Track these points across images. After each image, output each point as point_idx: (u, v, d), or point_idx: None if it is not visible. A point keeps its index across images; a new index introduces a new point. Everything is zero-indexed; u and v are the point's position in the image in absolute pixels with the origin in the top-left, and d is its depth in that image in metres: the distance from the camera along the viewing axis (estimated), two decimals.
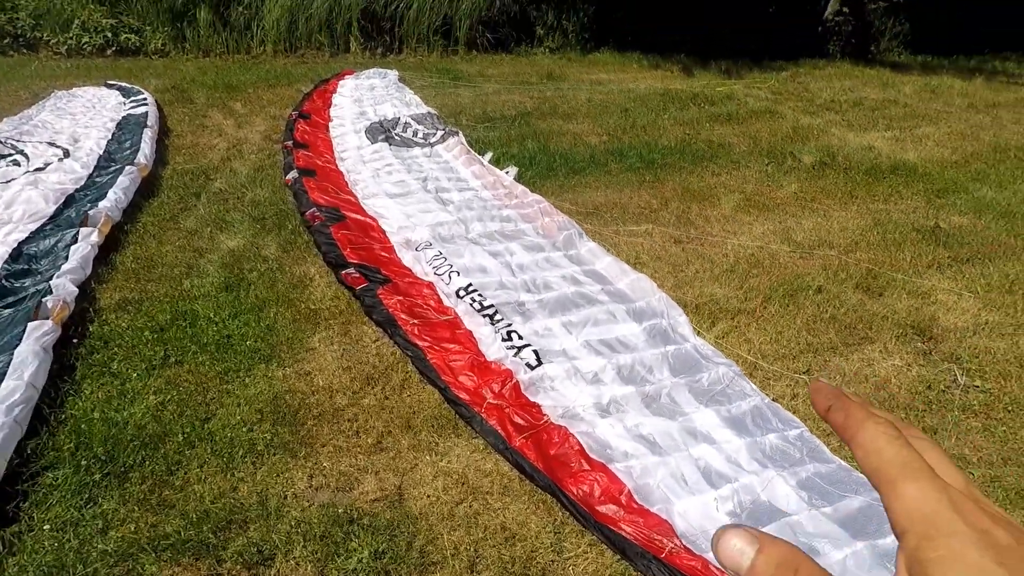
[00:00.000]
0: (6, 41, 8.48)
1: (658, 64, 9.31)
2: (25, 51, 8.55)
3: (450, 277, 3.07)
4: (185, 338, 2.71)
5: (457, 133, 5.42)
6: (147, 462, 2.08)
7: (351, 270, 3.04)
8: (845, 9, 11.23)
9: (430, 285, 2.98)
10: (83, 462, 2.04)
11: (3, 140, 4.80)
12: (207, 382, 2.45)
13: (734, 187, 4.65)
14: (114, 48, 8.88)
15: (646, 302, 2.95)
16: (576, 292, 3.01)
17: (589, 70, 9.02)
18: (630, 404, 2.35)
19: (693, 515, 1.94)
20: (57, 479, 1.99)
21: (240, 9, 9.58)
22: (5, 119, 5.43)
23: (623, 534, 1.86)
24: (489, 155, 5.07)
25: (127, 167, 4.36)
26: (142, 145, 4.82)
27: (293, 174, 4.41)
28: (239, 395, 2.38)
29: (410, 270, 3.20)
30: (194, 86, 7.21)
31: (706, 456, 2.15)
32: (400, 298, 2.80)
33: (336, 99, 6.58)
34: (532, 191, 4.24)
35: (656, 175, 4.82)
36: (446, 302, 2.87)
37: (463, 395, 2.31)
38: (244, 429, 2.21)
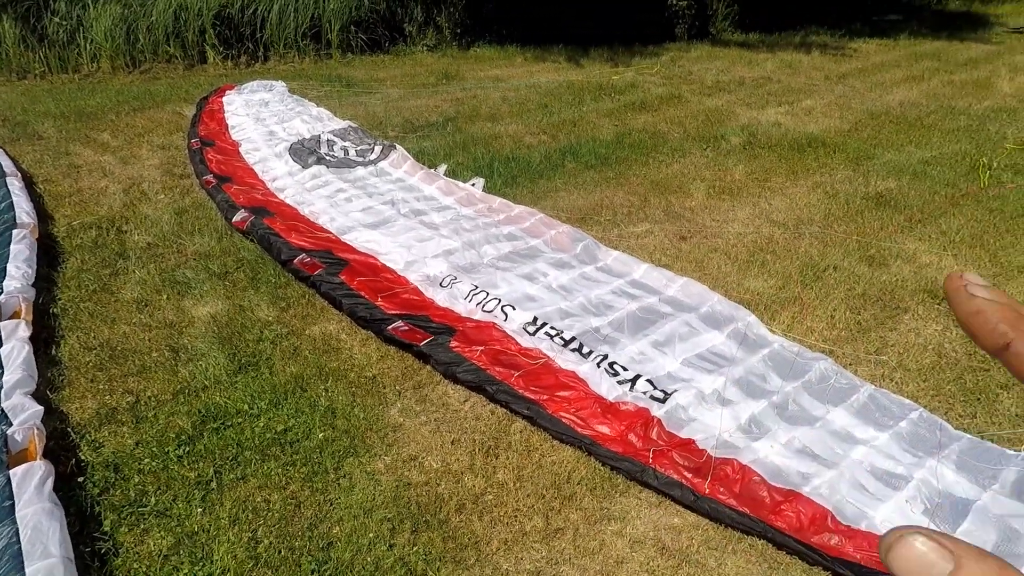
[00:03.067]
0: None
1: (542, 56, 9.33)
2: None
3: (504, 312, 2.76)
4: (229, 445, 2.14)
5: (395, 147, 4.98)
6: None
7: (399, 324, 2.62)
8: None
9: (492, 326, 2.65)
10: None
11: None
12: (295, 495, 1.96)
13: (693, 175, 4.75)
14: None
15: (710, 307, 2.88)
16: (639, 308, 2.86)
17: (480, 67, 8.80)
18: (767, 419, 2.26)
19: (898, 523, 1.89)
20: None
21: (56, 20, 8.05)
22: None
23: (854, 560, 1.76)
24: (443, 167, 4.71)
25: (13, 231, 3.41)
26: (15, 199, 3.81)
27: (243, 214, 3.74)
28: (347, 505, 1.93)
29: (451, 310, 2.84)
30: (33, 117, 5.91)
31: (867, 458, 2.12)
32: (479, 348, 2.45)
33: (231, 120, 5.75)
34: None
35: (616, 171, 4.79)
36: (522, 342, 2.57)
37: (615, 447, 2.06)
38: (384, 548, 1.79)
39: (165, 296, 3.09)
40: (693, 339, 2.66)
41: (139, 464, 2.07)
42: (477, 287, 2.96)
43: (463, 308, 2.85)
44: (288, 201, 4.11)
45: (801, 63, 9.04)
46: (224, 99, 6.38)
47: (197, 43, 8.56)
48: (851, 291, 3.22)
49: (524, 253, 3.41)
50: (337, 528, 1.86)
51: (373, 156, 4.90)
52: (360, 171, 4.65)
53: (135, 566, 1.73)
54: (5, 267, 3.07)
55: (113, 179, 4.59)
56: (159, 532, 1.83)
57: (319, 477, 2.03)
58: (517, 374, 2.33)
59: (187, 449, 2.12)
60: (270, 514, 1.90)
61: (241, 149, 5.06)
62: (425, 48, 10.05)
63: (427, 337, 2.54)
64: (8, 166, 4.37)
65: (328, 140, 5.24)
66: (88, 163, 4.88)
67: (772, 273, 3.36)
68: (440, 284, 3.03)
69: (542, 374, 2.35)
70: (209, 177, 4.39)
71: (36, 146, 5.22)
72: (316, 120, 5.77)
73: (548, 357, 2.46)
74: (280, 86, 6.99)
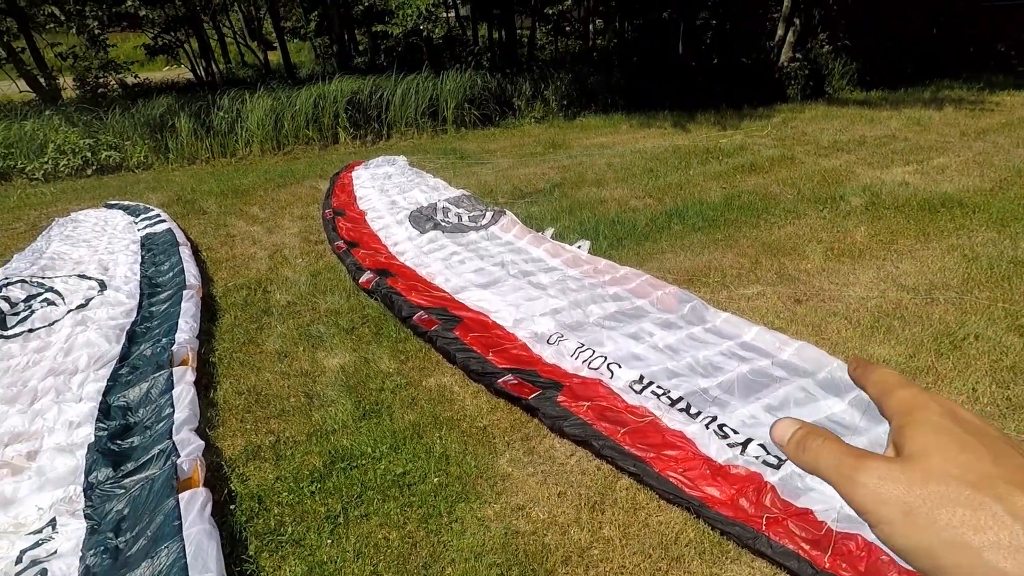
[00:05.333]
0: None
1: (647, 123, 9.54)
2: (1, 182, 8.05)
3: (610, 370, 2.81)
4: (354, 484, 2.33)
5: (505, 212, 5.27)
6: None
7: (509, 377, 2.75)
8: (798, 55, 11.94)
9: (599, 383, 2.71)
10: None
11: (27, 279, 4.33)
12: (412, 535, 2.09)
13: (809, 236, 4.61)
14: (94, 167, 8.48)
15: (829, 372, 2.76)
16: (751, 370, 2.80)
17: (585, 135, 9.15)
18: None
19: None
20: None
21: (221, 114, 9.40)
22: (16, 255, 4.96)
23: None
24: (551, 231, 4.91)
25: (184, 291, 3.97)
26: (185, 265, 4.44)
27: (368, 275, 4.11)
28: (459, 548, 2.02)
29: (557, 366, 2.93)
30: (199, 195, 6.88)
31: None
32: (585, 403, 2.52)
33: (358, 191, 6.37)
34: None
35: (725, 233, 4.75)
36: (628, 399, 2.60)
37: (725, 511, 2.02)
38: None
39: (301, 348, 3.44)
40: (810, 405, 2.56)
41: (278, 497, 2.29)
42: (583, 344, 3.04)
43: (569, 365, 2.94)
44: (408, 263, 4.46)
45: (931, 119, 8.57)
46: (353, 173, 7.09)
47: (331, 126, 9.62)
48: (997, 363, 2.96)
49: (630, 313, 3.46)
50: (450, 569, 1.95)
51: (485, 221, 5.22)
52: (473, 235, 4.96)
53: None
54: (176, 322, 3.57)
55: (260, 246, 5.21)
56: (294, 560, 2.02)
57: (433, 520, 2.15)
58: (623, 431, 2.36)
59: (319, 486, 2.33)
60: (389, 551, 2.03)
61: (367, 217, 5.58)
62: (533, 120, 10.63)
63: (535, 391, 2.64)
64: (180, 237, 5.11)
65: (444, 207, 5.65)
66: (241, 233, 5.58)
67: (901, 340, 3.16)
68: (547, 341, 3.15)
69: (649, 432, 2.37)
70: (340, 243, 4.87)
71: (201, 219, 6.05)
72: (433, 190, 6.26)
73: (655, 416, 2.47)
74: (401, 160, 7.66)
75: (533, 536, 2.06)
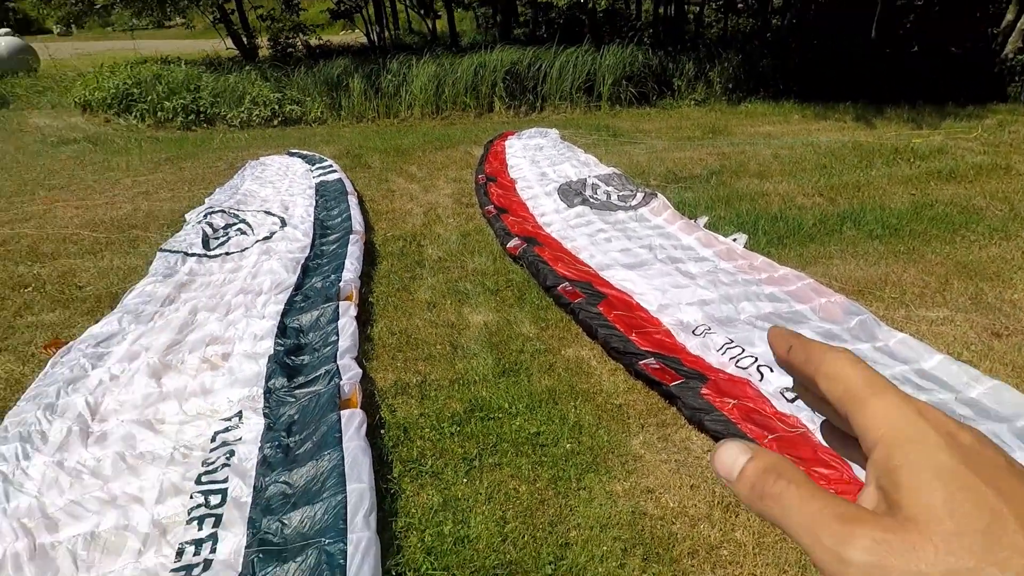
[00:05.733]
0: (191, 117, 9.18)
1: (823, 114, 8.80)
2: (206, 125, 9.21)
3: (760, 372, 2.69)
4: (490, 434, 2.46)
5: (657, 195, 5.15)
6: None
7: (651, 360, 2.73)
8: None
9: (747, 383, 2.61)
10: None
11: (226, 210, 4.96)
12: (540, 492, 2.17)
13: (1020, 262, 4.00)
14: (279, 119, 9.41)
15: None
16: (928, 403, 2.54)
17: (750, 123, 8.64)
18: None
19: None
20: None
21: (389, 77, 9.99)
22: (218, 189, 5.67)
23: None
24: (704, 219, 4.74)
25: (350, 236, 4.34)
26: (352, 212, 4.84)
27: (516, 241, 4.24)
28: (585, 515, 2.07)
29: (702, 358, 2.86)
30: (365, 151, 7.41)
31: None
32: (731, 401, 2.45)
33: (510, 160, 6.53)
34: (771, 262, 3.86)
35: (909, 245, 4.29)
36: (778, 406, 2.48)
37: None
38: (614, 565, 1.89)
39: (449, 302, 3.64)
40: None
41: (421, 432, 2.48)
42: (732, 341, 2.93)
43: (715, 359, 2.85)
44: (554, 235, 4.53)
45: None
46: (506, 142, 7.27)
47: (488, 94, 9.89)
48: None
49: (787, 316, 3.28)
50: (575, 532, 2.01)
51: (634, 202, 5.15)
52: (621, 215, 4.92)
53: (412, 510, 2.09)
54: (343, 262, 3.92)
55: (417, 203, 5.54)
56: (431, 490, 2.18)
57: (562, 482, 2.22)
58: (771, 437, 2.26)
59: (458, 429, 2.49)
60: (518, 502, 2.13)
61: (517, 186, 5.72)
62: (693, 102, 10.21)
63: (677, 379, 2.60)
64: (349, 187, 5.57)
65: (593, 184, 5.64)
66: (400, 189, 5.96)
67: None
68: (693, 331, 3.08)
69: (799, 444, 2.25)
70: (490, 207, 5.05)
71: (366, 173, 6.54)
72: (583, 165, 6.26)
73: (806, 428, 2.34)
74: (553, 133, 7.72)
75: (661, 521, 2.05)
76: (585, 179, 5.72)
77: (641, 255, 4.08)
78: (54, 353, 3.00)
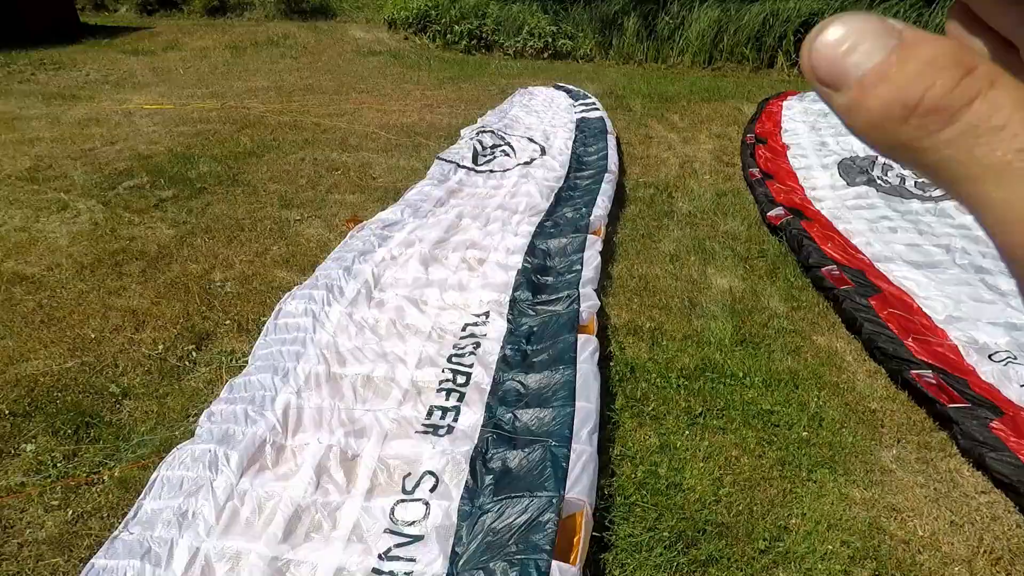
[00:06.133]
0: (473, 42, 9.92)
1: None
2: (484, 51, 9.88)
3: None
4: (719, 396, 2.40)
5: None
6: (726, 560, 1.75)
7: (927, 373, 2.39)
8: None
9: None
10: (663, 531, 1.80)
11: (495, 131, 5.34)
12: (765, 470, 2.08)
13: None
14: (550, 52, 9.69)
15: None
16: None
17: None
18: None
19: None
20: (634, 541, 1.79)
21: (667, 19, 9.61)
22: (489, 111, 6.11)
23: None
24: None
25: (605, 174, 4.40)
26: (609, 152, 4.87)
27: (779, 211, 3.93)
28: (811, 508, 1.94)
29: (997, 390, 2.40)
30: (628, 93, 7.34)
31: None
32: None
33: (786, 123, 5.95)
34: None
35: None
36: None
37: None
38: (838, 568, 1.75)
39: (693, 258, 3.54)
40: None
41: (647, 375, 2.51)
42: None
43: (1015, 394, 2.38)
44: (824, 212, 4.09)
45: None
46: (785, 103, 6.61)
47: (772, 48, 9.02)
48: None
49: None
50: (796, 520, 1.90)
51: (937, 192, 4.39)
52: (916, 204, 4.24)
53: (629, 443, 2.15)
54: (595, 198, 4.01)
55: (674, 153, 5.38)
56: (650, 430, 2.22)
57: (790, 468, 2.09)
58: None
59: (685, 383, 2.46)
60: (738, 471, 2.07)
61: (789, 152, 5.22)
62: None
63: (960, 402, 2.23)
64: (609, 126, 5.59)
65: (885, 163, 4.92)
66: (658, 136, 5.83)
67: None
68: (989, 356, 2.59)
69: None
70: (754, 171, 4.71)
71: (626, 116, 6.50)
72: None
73: None
74: None
75: (904, 545, 1.83)
76: (876, 157, 5.01)
77: (934, 255, 3.50)
78: (352, 227, 3.59)
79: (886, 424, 2.29)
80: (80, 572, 1.59)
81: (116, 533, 1.70)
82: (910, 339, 2.57)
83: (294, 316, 2.64)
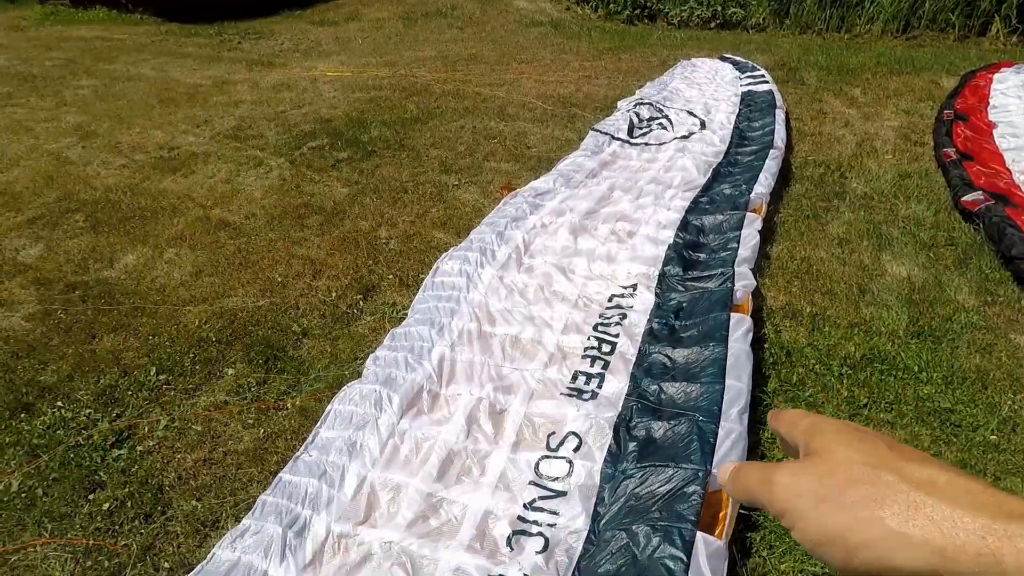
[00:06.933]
0: (636, 12, 9.64)
1: None
2: (647, 22, 9.57)
3: None
4: (888, 390, 2.19)
5: None
6: None
7: None
8: None
9: None
10: None
11: (653, 103, 5.19)
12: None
13: None
14: (718, 21, 9.15)
15: None
16: None
17: None
18: None
19: None
20: (780, 525, 1.71)
21: None
22: (648, 83, 5.95)
23: None
24: None
25: (770, 151, 4.12)
26: (776, 127, 4.54)
27: (977, 195, 3.45)
28: None
29: None
30: (803, 65, 6.75)
31: None
32: None
33: (995, 99, 5.16)
34: None
35: None
36: None
37: None
38: None
39: (866, 243, 3.23)
40: None
41: (805, 360, 2.36)
42: None
43: None
44: None
45: None
46: (996, 76, 5.73)
47: (988, 12, 7.79)
48: None
49: None
50: None
51: None
52: None
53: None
54: (757, 175, 3.78)
55: (851, 130, 4.89)
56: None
57: (971, 471, 1.86)
58: None
59: (848, 372, 2.28)
60: None
61: (996, 132, 4.53)
62: None
63: None
64: (778, 100, 5.20)
65: None
66: (834, 112, 5.32)
67: None
68: None
69: None
70: (950, 151, 4.15)
71: (798, 90, 5.99)
72: None
73: None
74: None
75: None
76: None
77: None
78: (506, 194, 3.71)
79: None
80: (271, 482, 1.85)
81: (298, 454, 1.95)
82: None
83: (450, 275, 2.80)
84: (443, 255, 2.98)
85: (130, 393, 2.30)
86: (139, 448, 2.06)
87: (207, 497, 1.87)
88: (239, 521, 1.73)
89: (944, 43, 7.79)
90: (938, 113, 4.93)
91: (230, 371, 2.41)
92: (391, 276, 2.96)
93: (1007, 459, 1.91)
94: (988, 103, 5.07)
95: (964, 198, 3.49)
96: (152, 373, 2.38)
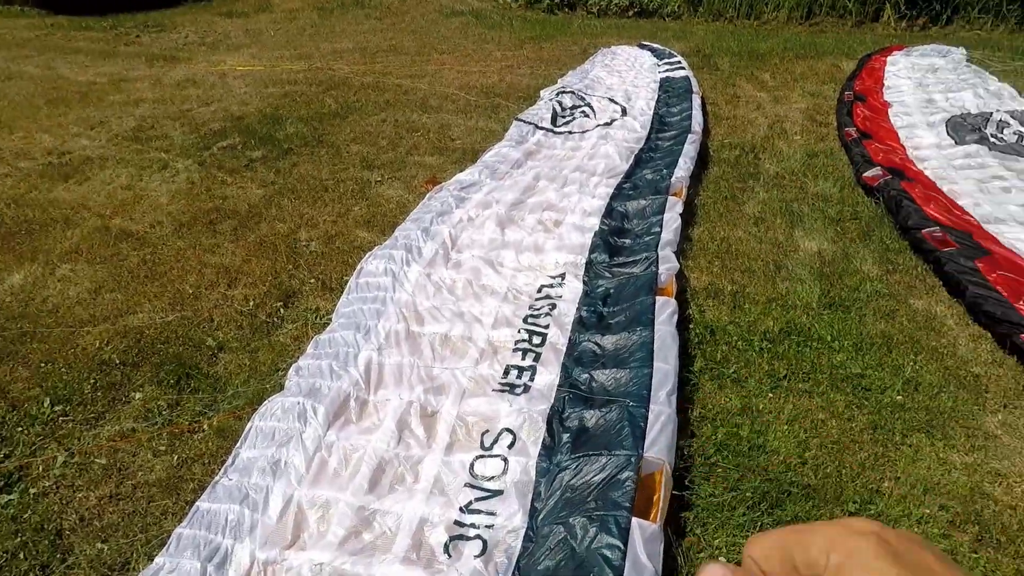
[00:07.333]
0: (555, 1, 9.68)
1: None
2: (567, 10, 9.62)
3: None
4: (804, 360, 2.29)
5: None
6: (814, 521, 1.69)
7: None
8: None
9: None
10: (745, 491, 1.76)
11: (575, 92, 5.22)
12: (855, 433, 1.98)
13: None
14: (635, 9, 9.31)
15: None
16: None
17: None
18: None
19: None
20: (716, 501, 1.76)
21: None
22: (570, 72, 5.98)
23: None
24: None
25: (688, 135, 4.23)
26: (693, 112, 4.67)
27: (876, 171, 3.66)
28: (907, 472, 1.84)
29: None
30: (716, 52, 6.97)
31: None
32: None
33: (889, 80, 5.49)
34: None
35: None
36: None
37: None
38: (936, 531, 1.66)
39: (779, 220, 3.36)
40: None
41: (728, 337, 2.43)
42: None
43: None
44: (927, 173, 3.77)
45: None
46: (889, 58, 6.10)
47: (879, 0, 8.28)
48: None
49: None
50: (888, 483, 1.81)
51: None
52: None
53: (709, 405, 2.10)
54: (677, 160, 3.87)
55: (762, 113, 5.09)
56: (732, 393, 2.15)
57: (882, 431, 1.98)
58: None
59: (768, 346, 2.37)
60: (825, 434, 1.98)
61: (890, 111, 4.83)
62: None
63: None
64: (694, 86, 5.35)
65: (1001, 120, 4.45)
66: (747, 96, 5.52)
67: None
68: None
69: None
70: (851, 130, 4.39)
71: (713, 75, 6.18)
72: (992, 96, 4.97)
73: None
74: (957, 53, 6.22)
75: (1009, 509, 1.71)
76: (990, 113, 4.55)
77: None
78: (431, 189, 3.64)
79: (991, 389, 2.13)
80: (187, 512, 1.72)
81: (217, 479, 1.82)
82: (1021, 302, 2.35)
83: (375, 275, 2.72)
84: (367, 255, 2.89)
85: (20, 429, 2.09)
86: (32, 490, 1.87)
87: (114, 537, 1.73)
88: (152, 560, 1.60)
89: (843, 29, 8.23)
90: (839, 95, 5.19)
91: (137, 395, 2.24)
92: (313, 280, 2.84)
93: (912, 416, 2.03)
94: (883, 84, 5.39)
95: (865, 174, 3.70)
96: (46, 404, 2.18)
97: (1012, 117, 4.48)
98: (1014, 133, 4.27)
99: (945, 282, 2.70)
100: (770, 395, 2.12)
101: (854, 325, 2.48)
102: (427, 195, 3.55)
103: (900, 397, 2.10)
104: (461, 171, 3.87)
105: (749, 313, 2.57)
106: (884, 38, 7.61)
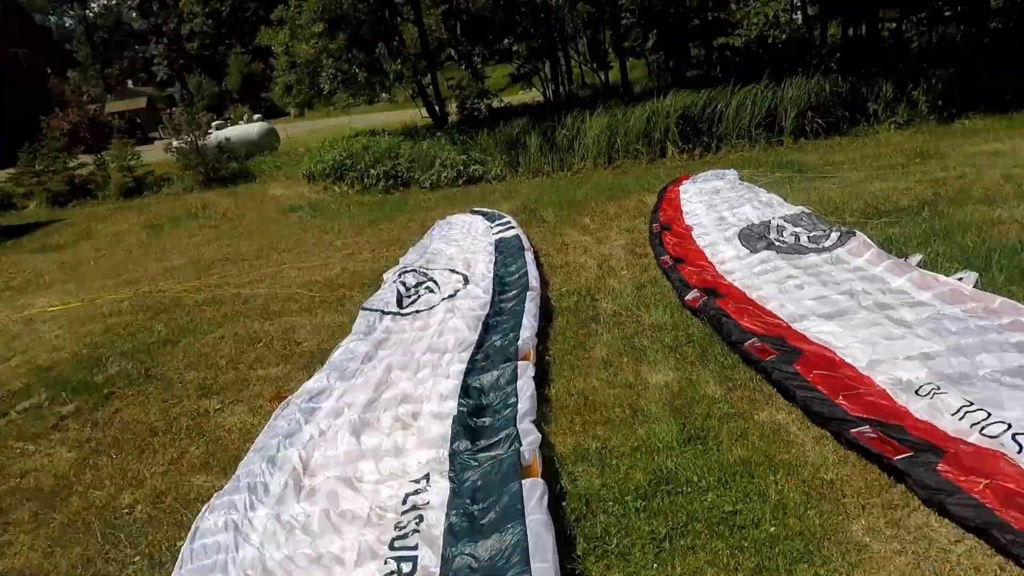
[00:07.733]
0: (390, 182, 10.30)
1: None
2: (402, 188, 10.24)
3: (1017, 442, 2.19)
4: (679, 510, 2.27)
5: (855, 233, 4.58)
6: None
7: (866, 429, 2.36)
8: None
9: (1000, 457, 2.13)
10: None
11: (417, 269, 5.37)
12: None
13: None
14: (464, 178, 10.13)
15: None
16: None
17: (969, 142, 7.47)
18: None
19: None
20: None
21: (563, 132, 10.30)
22: (411, 249, 6.19)
23: None
24: (917, 257, 4.10)
25: (527, 292, 4.43)
26: (528, 268, 4.95)
27: (695, 293, 4.01)
28: None
29: (933, 425, 2.40)
30: (541, 205, 7.64)
31: None
32: (981, 481, 2.01)
33: (685, 206, 6.29)
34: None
35: None
36: None
37: None
38: None
39: (626, 359, 3.52)
40: None
41: (604, 505, 2.37)
42: (972, 404, 2.44)
43: (950, 425, 2.38)
44: (736, 284, 4.21)
45: None
46: (680, 187, 7.03)
47: (660, 140, 9.73)
48: None
49: None
50: None
51: (828, 243, 4.63)
52: (813, 258, 4.44)
53: None
54: (521, 320, 4.00)
55: (590, 255, 5.53)
56: (618, 572, 2.05)
57: (768, 572, 1.95)
58: None
59: (643, 504, 2.33)
60: None
61: (693, 233, 5.46)
62: (893, 126, 9.13)
63: (903, 451, 2.20)
64: (525, 243, 5.74)
65: (778, 226, 5.20)
66: (574, 242, 6.01)
67: None
68: (916, 392, 2.62)
69: None
70: (666, 258, 4.87)
71: (541, 227, 6.71)
72: (766, 206, 5.82)
73: None
74: (731, 174, 7.33)
75: None
76: (769, 221, 5.30)
77: (840, 303, 3.62)
78: (276, 406, 3.40)
79: (846, 493, 2.22)
80: None
81: None
82: (840, 397, 2.58)
83: (213, 534, 2.38)
84: (203, 509, 2.54)
85: None
86: None
87: None
88: None
89: (640, 167, 9.48)
90: (649, 227, 5.82)
91: None
92: (137, 558, 2.42)
93: (789, 547, 2.04)
94: (682, 211, 6.15)
95: (686, 297, 4.05)
96: None
97: (785, 221, 5.24)
98: (791, 235, 4.97)
99: (777, 389, 2.91)
100: (655, 564, 2.05)
101: (714, 456, 2.54)
102: (273, 414, 3.30)
103: (773, 528, 2.12)
104: (309, 377, 3.70)
105: (617, 470, 2.56)
106: (672, 169, 8.84)
